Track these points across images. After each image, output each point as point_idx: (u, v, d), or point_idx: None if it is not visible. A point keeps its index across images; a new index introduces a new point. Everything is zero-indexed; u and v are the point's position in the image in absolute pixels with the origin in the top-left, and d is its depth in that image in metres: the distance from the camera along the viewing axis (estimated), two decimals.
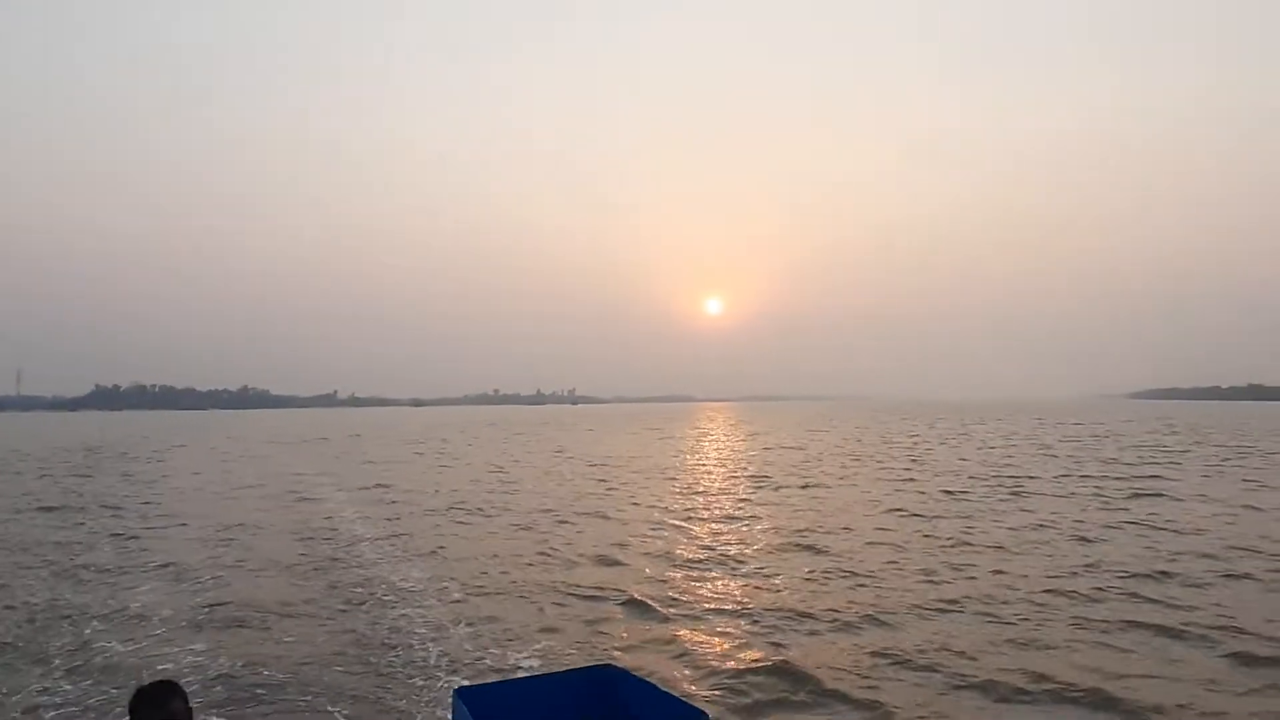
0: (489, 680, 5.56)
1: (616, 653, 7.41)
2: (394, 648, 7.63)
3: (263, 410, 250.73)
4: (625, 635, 8.07)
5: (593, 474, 25.60)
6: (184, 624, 8.51)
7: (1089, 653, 7.16)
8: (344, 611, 9.01)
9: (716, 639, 7.87)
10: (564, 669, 4.57)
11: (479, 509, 17.21)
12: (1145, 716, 5.80)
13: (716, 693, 6.45)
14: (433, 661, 7.24)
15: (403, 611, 8.96)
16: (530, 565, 11.48)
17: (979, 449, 34.79)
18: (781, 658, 7.17)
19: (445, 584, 10.28)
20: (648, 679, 4.19)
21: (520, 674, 6.45)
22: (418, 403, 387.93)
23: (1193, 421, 66.81)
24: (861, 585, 9.83)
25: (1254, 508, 15.88)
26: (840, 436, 48.33)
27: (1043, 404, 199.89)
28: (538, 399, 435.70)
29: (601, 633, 8.15)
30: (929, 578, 10.14)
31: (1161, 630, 7.77)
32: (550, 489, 21.17)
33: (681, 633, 8.09)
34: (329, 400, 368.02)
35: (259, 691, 6.55)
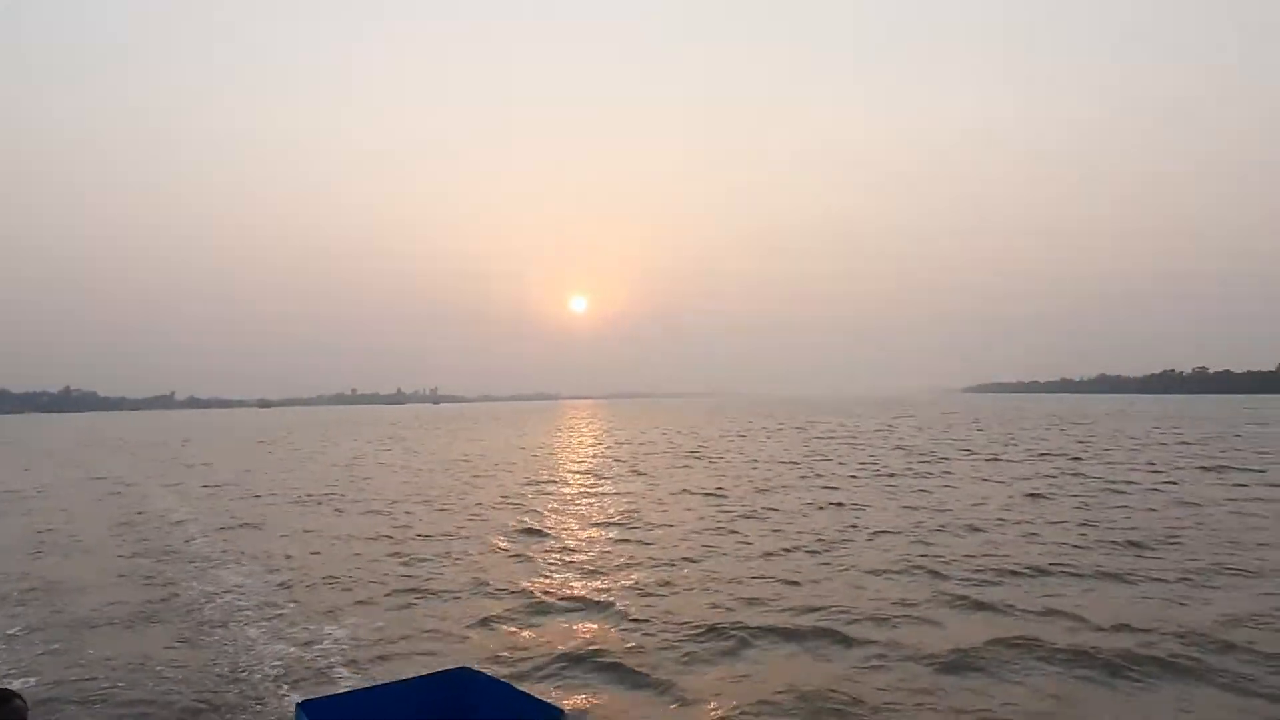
0: (334, 691, 5.32)
1: (458, 648, 7.47)
2: (231, 656, 7.34)
3: (92, 414, 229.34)
4: (472, 631, 8.16)
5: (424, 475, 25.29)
6: None
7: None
8: (168, 618, 8.70)
9: (553, 631, 8.15)
10: (415, 674, 4.46)
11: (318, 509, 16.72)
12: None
13: (561, 685, 6.56)
14: (270, 671, 6.94)
15: (238, 616, 8.73)
16: (377, 569, 11.36)
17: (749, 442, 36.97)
18: (600, 645, 7.55)
19: (284, 589, 10.09)
20: (503, 679, 4.18)
21: (368, 682, 6.25)
22: (265, 403, 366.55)
23: (1001, 410, 73.96)
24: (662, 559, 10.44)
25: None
26: (661, 432, 49.92)
27: (882, 398, 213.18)
28: (398, 398, 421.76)
29: (451, 634, 8.12)
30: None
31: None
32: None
33: (525, 630, 8.19)
34: (165, 402, 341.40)
35: (80, 707, 6.23)
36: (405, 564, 11.65)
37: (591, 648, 7.47)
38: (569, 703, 6.09)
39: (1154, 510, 15.30)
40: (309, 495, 20.47)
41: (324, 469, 29.06)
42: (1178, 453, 28.72)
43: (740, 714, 5.92)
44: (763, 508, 16.42)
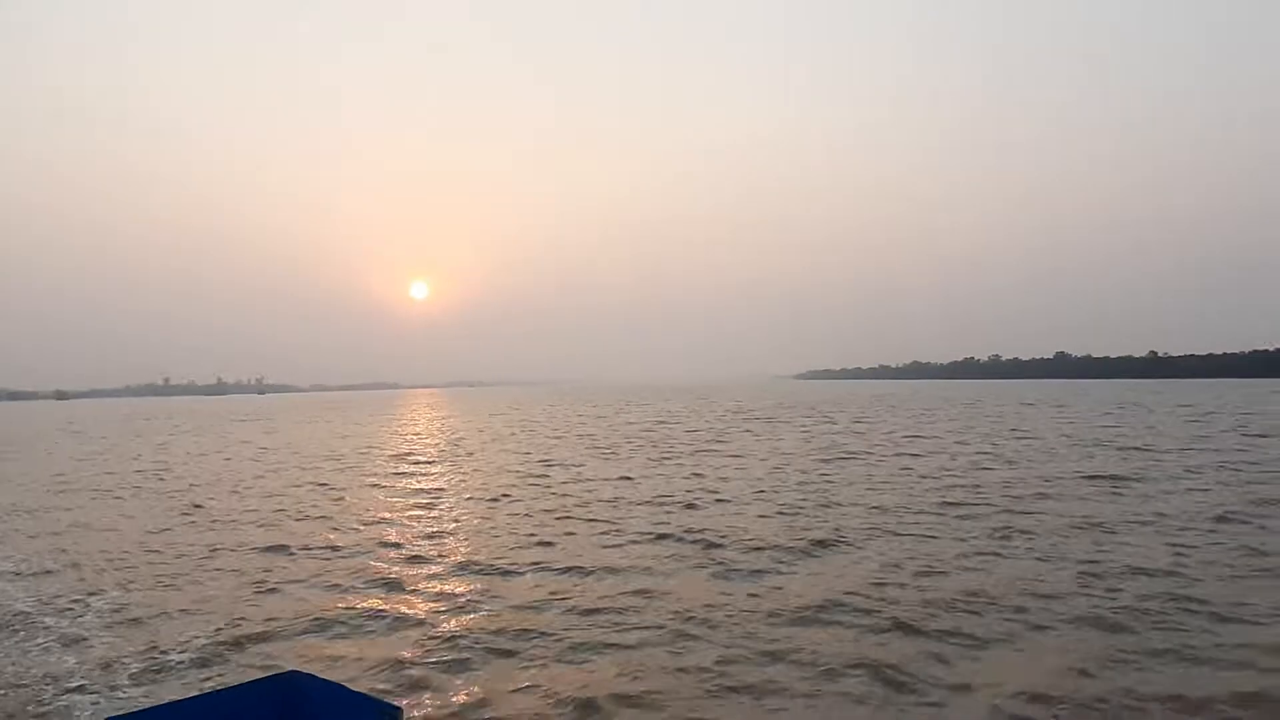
0: (149, 704, 4.72)
1: (278, 646, 7.06)
2: (19, 669, 6.62)
3: None
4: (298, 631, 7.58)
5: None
6: None
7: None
8: None
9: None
10: (239, 682, 4.08)
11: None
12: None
13: (391, 680, 6.23)
14: (70, 684, 6.25)
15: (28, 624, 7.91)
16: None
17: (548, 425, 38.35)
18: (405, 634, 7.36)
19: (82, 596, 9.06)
20: (335, 681, 3.91)
21: (186, 692, 5.66)
22: (61, 395, 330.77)
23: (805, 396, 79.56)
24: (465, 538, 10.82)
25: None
26: (474, 419, 50.28)
27: (719, 385, 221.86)
28: (219, 388, 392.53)
29: (273, 635, 7.45)
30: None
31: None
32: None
33: (348, 630, 7.63)
34: None
35: None
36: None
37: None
38: (405, 700, 5.77)
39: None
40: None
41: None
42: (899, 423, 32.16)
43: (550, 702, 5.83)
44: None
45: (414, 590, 8.90)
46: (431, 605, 8.25)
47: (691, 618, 7.48)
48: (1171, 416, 37.57)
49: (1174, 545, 10.08)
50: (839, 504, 13.75)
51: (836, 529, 11.51)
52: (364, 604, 8.30)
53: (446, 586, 9.01)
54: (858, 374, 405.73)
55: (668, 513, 13.36)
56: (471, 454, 25.82)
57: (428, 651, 6.82)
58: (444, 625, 7.56)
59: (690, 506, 13.90)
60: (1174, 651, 6.37)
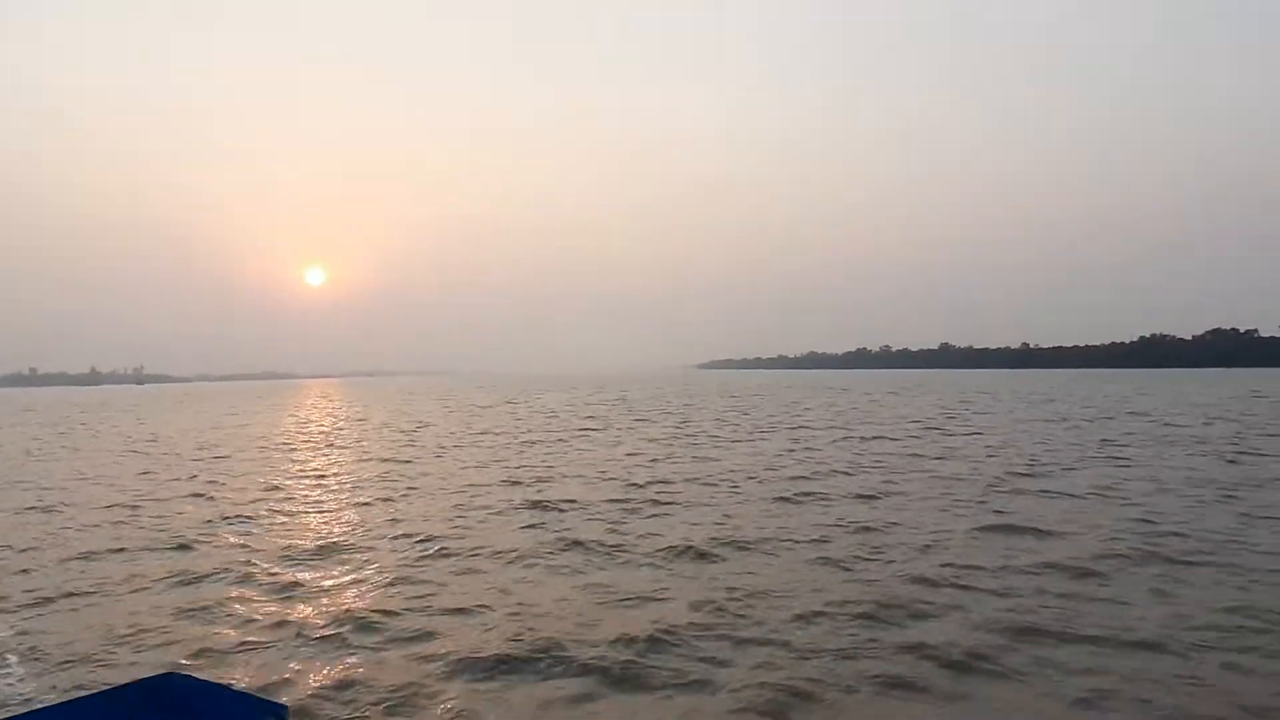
0: (7, 714, 4.49)
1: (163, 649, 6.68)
2: None
3: None
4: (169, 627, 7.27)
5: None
6: None
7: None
8: None
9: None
10: (113, 684, 3.81)
11: None
12: None
13: (279, 679, 5.98)
14: None
15: None
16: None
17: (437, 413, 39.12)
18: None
19: None
20: (217, 681, 3.82)
21: (53, 699, 5.24)
22: None
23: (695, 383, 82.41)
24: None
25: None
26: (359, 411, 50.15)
27: (620, 375, 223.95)
28: (92, 378, 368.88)
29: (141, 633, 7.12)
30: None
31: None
32: None
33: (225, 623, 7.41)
34: None
35: None
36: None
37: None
38: (287, 697, 5.57)
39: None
40: None
41: None
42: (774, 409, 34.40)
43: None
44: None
45: (283, 581, 8.72)
46: (303, 595, 8.19)
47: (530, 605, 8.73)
48: (995, 402, 41.44)
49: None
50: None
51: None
52: (234, 599, 8.09)
53: (308, 575, 8.99)
54: (758, 364, 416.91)
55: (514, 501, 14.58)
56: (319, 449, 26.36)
57: (306, 643, 6.70)
58: (317, 615, 7.49)
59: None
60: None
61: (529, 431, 29.19)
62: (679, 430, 28.34)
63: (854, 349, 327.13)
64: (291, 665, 6.20)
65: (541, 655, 6.27)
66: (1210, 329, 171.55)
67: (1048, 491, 13.45)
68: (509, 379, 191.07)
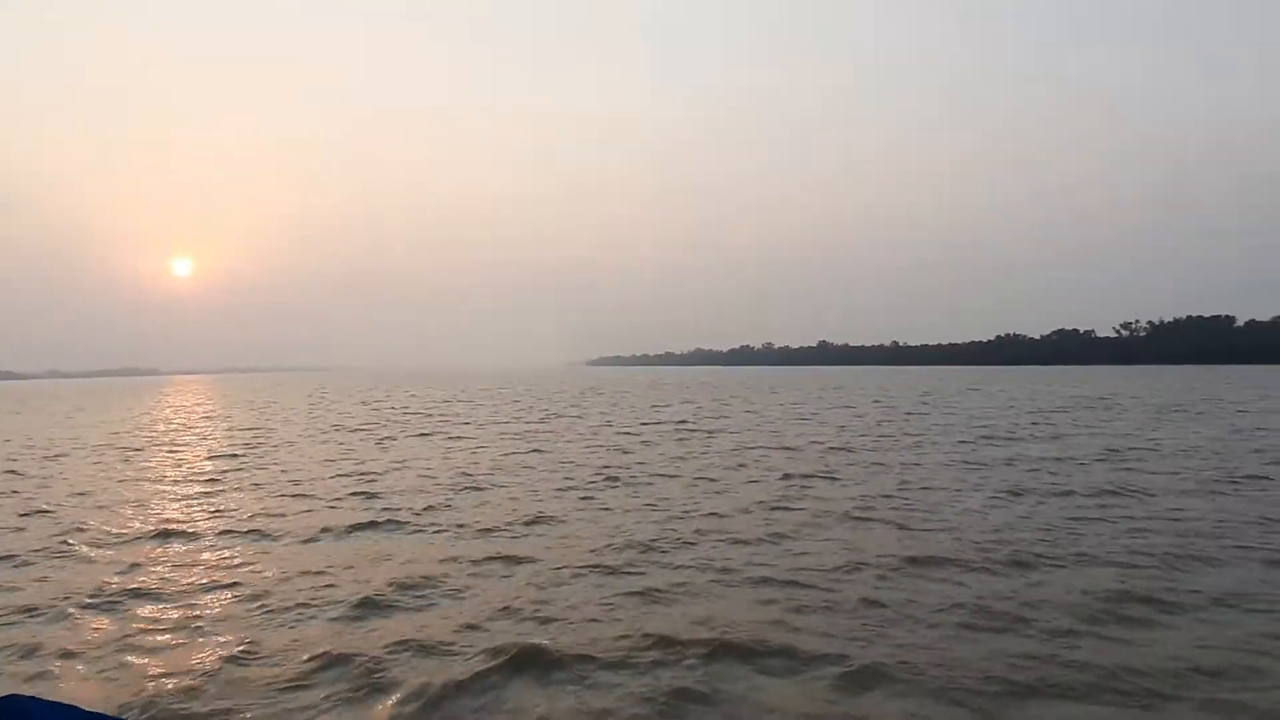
0: None
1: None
2: None
3: None
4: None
5: None
6: None
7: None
8: None
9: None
10: None
11: None
12: None
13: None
14: None
15: None
16: None
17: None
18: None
19: None
20: (66, 702, 3.44)
21: None
22: None
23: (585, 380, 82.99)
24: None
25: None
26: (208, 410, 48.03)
27: (508, 371, 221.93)
28: None
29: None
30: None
31: None
32: None
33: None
34: None
35: None
36: None
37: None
38: (143, 715, 5.42)
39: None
40: None
41: None
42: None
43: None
44: None
45: (123, 591, 8.41)
46: (146, 606, 7.93)
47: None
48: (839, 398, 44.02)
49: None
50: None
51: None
52: (72, 613, 7.72)
53: (141, 580, 8.82)
54: (645, 360, 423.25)
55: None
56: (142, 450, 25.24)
57: (156, 657, 6.52)
58: (154, 625, 7.27)
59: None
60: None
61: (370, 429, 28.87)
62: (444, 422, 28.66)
63: (738, 346, 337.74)
64: (133, 676, 6.07)
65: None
66: (1055, 329, 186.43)
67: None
68: (392, 375, 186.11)
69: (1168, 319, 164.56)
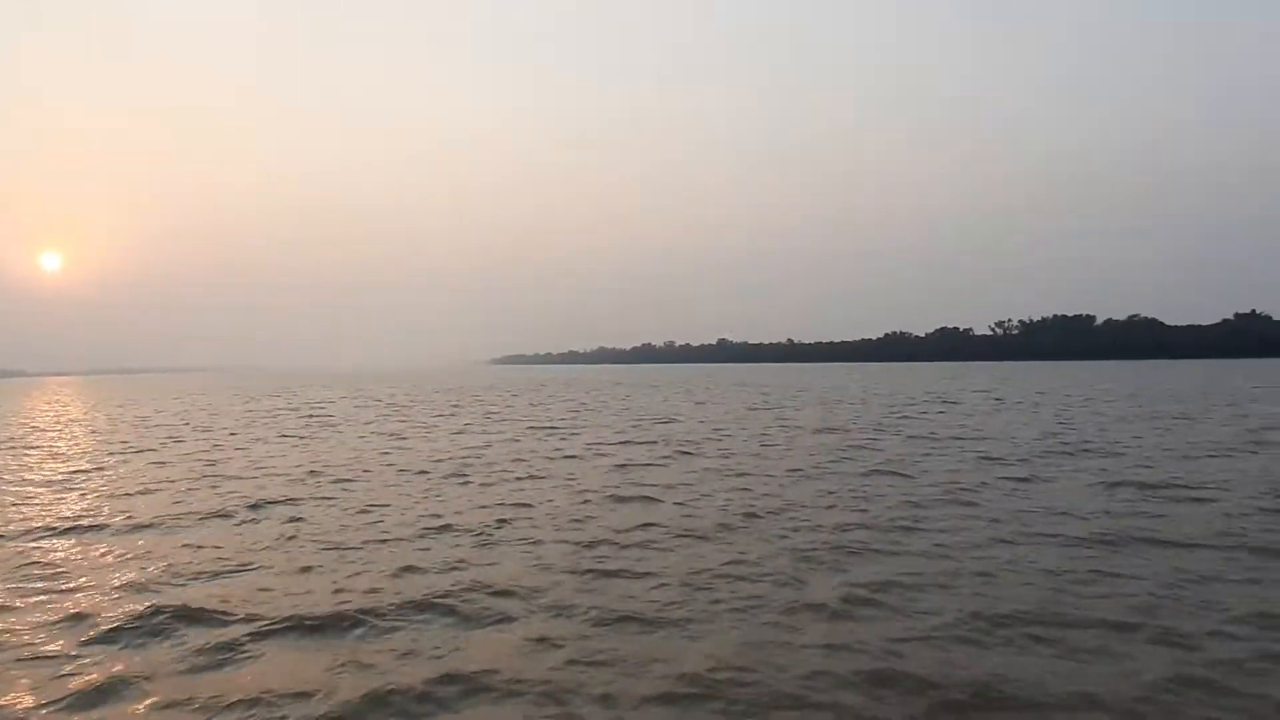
0: None
1: None
2: None
3: None
4: None
5: None
6: None
7: None
8: None
9: None
10: None
11: None
12: None
13: None
14: None
15: None
16: None
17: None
18: None
19: None
20: None
21: None
22: None
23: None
24: None
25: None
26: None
27: (408, 371, 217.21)
28: None
29: None
30: None
31: None
32: None
33: None
34: None
35: None
36: None
37: None
38: None
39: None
40: None
41: None
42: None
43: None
44: None
45: None
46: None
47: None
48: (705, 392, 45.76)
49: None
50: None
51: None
52: None
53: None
54: (549, 359, 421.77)
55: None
56: None
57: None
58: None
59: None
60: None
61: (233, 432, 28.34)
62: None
63: (640, 344, 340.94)
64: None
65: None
66: (938, 328, 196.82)
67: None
68: (280, 376, 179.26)
69: (1037, 318, 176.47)
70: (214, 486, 14.82)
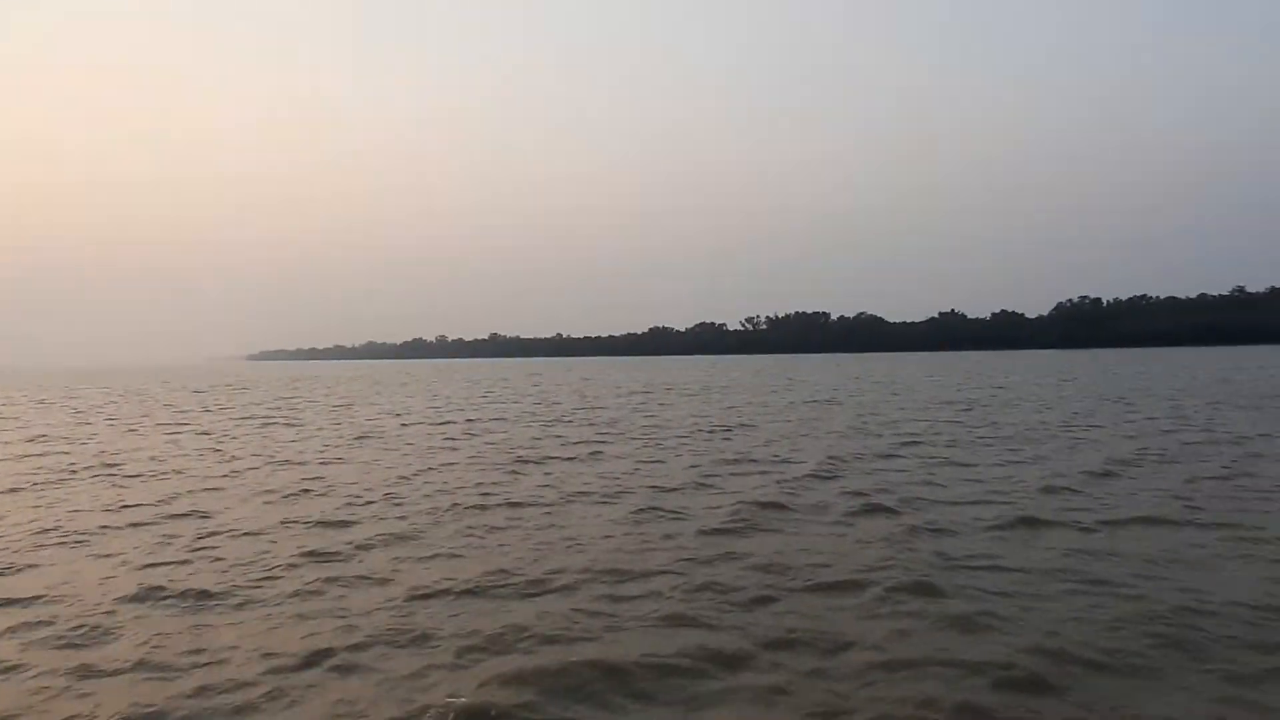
0: None
1: None
2: None
3: None
4: None
5: None
6: None
7: None
8: None
9: None
10: None
11: None
12: None
13: None
14: None
15: None
16: None
17: None
18: None
19: None
20: None
21: None
22: None
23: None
24: None
25: None
26: None
27: (154, 368, 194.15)
28: None
29: None
30: None
31: None
32: None
33: None
34: None
35: None
36: None
37: None
38: None
39: None
40: None
41: None
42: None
43: None
44: None
45: None
46: None
47: None
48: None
49: None
50: None
51: None
52: None
53: None
54: (313, 354, 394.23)
55: None
56: None
57: None
58: None
59: None
60: None
61: None
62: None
63: (411, 339, 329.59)
64: None
65: None
66: (698, 323, 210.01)
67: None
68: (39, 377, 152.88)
69: (781, 314, 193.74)
70: None
